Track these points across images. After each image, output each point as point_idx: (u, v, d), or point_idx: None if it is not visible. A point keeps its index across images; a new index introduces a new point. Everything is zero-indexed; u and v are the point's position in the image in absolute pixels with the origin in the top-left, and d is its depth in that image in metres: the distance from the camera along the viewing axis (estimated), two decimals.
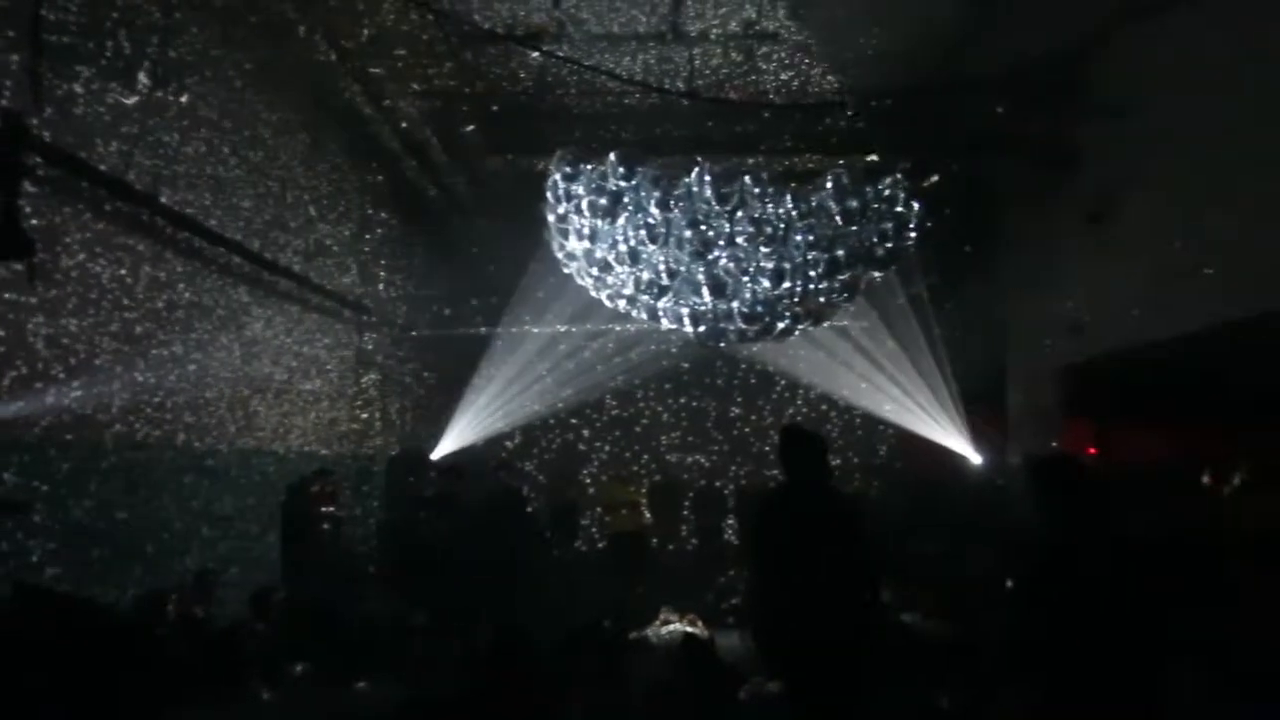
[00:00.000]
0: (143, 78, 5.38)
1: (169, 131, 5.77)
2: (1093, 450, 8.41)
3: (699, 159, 5.76)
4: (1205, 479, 5.33)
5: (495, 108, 8.34)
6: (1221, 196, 6.32)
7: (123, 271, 5.42)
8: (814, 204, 5.76)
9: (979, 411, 9.11)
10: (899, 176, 6.03)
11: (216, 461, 6.38)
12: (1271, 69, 5.78)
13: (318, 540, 6.76)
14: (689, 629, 7.44)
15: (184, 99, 5.86)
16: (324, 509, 6.94)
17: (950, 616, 6.72)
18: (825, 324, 6.97)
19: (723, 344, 6.64)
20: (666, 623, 7.60)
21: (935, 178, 7.48)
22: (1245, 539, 5.54)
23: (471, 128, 8.49)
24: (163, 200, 5.64)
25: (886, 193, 5.94)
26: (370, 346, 9.07)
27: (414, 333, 9.77)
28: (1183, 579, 4.84)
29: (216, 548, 6.26)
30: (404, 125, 8.28)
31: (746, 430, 9.22)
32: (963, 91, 8.00)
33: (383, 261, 9.33)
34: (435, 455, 9.85)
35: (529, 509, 7.75)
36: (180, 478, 5.98)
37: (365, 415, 9.08)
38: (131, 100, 5.34)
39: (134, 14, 5.39)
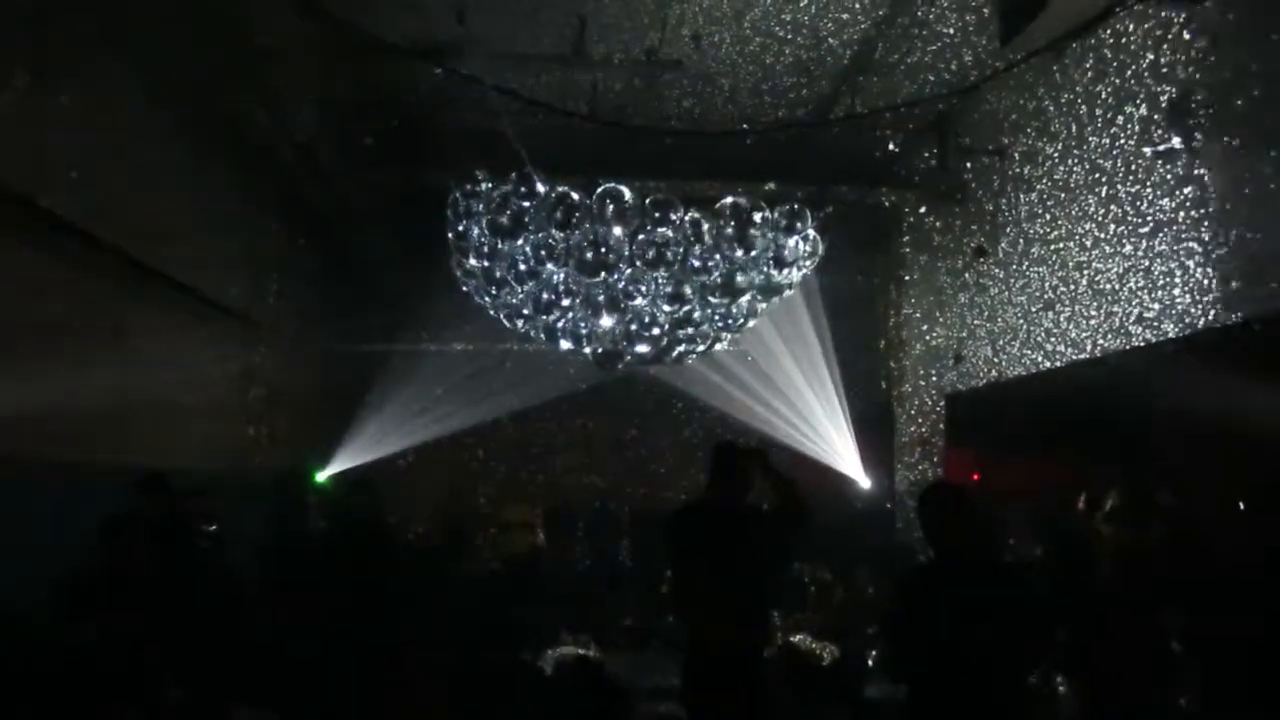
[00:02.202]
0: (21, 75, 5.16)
1: (49, 132, 5.53)
2: (975, 477, 8.72)
3: (599, 181, 5.80)
4: (1079, 505, 5.57)
5: (395, 122, 8.25)
6: (1094, 234, 6.69)
7: None
8: (713, 230, 5.85)
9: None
10: (796, 206, 6.17)
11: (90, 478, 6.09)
12: (1135, 112, 6.15)
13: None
14: (581, 651, 7.42)
15: (64, 99, 5.63)
16: (202, 527, 6.62)
17: (838, 637, 6.86)
18: (721, 348, 7.07)
19: (619, 366, 6.67)
20: (560, 645, 7.56)
21: (830, 209, 7.69)
22: (1112, 563, 5.82)
23: (370, 141, 8.38)
24: (40, 204, 5.40)
25: (784, 221, 6.07)
26: (259, 361, 8.82)
27: (306, 348, 9.54)
28: (1054, 600, 5.04)
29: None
30: (299, 137, 8.11)
31: (642, 452, 9.28)
32: (857, 125, 8.26)
33: (274, 275, 9.10)
34: (324, 474, 9.63)
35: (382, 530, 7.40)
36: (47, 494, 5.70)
37: (251, 432, 8.81)
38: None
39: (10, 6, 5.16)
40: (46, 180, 5.49)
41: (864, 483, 9.88)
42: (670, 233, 5.81)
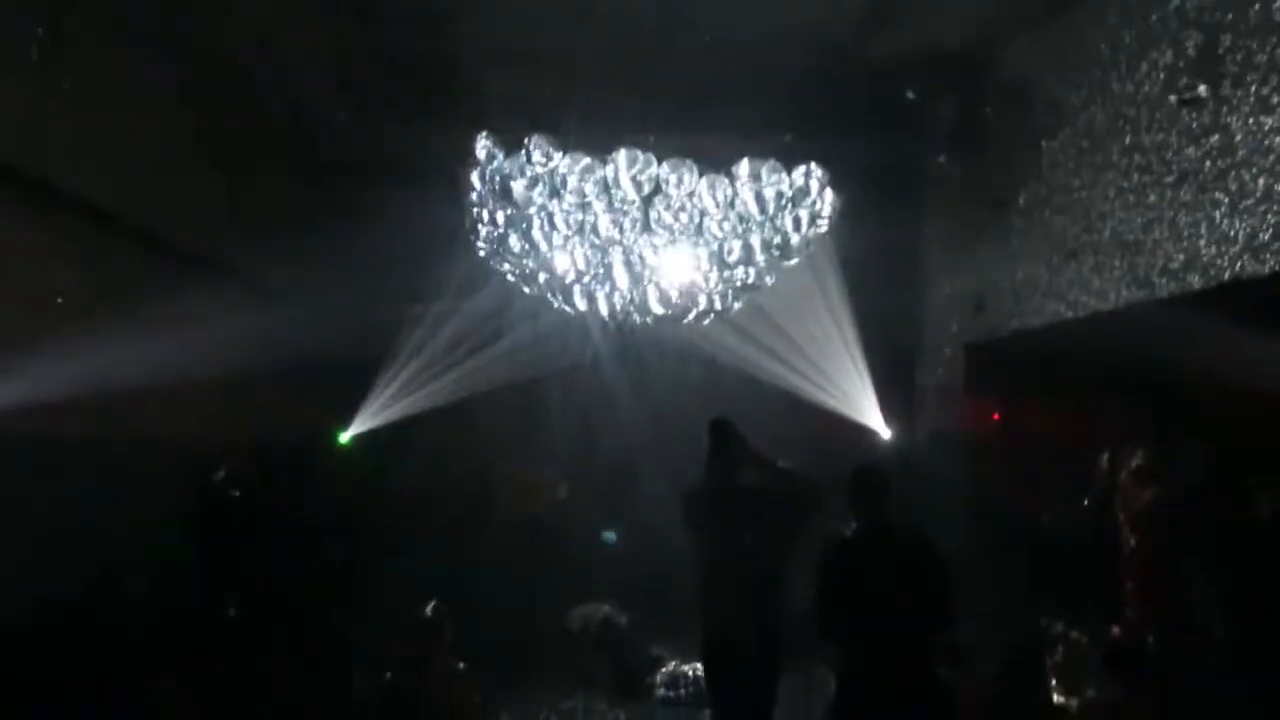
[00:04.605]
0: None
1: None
2: (996, 417, 8.71)
3: (617, 145, 5.74)
4: (1103, 461, 5.57)
5: (410, 83, 8.15)
6: (1117, 183, 6.58)
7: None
8: (729, 192, 5.79)
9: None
10: (812, 164, 6.09)
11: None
12: (1163, 62, 6.00)
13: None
14: (606, 609, 7.52)
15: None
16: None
17: None
18: (740, 307, 7.03)
19: (637, 330, 6.66)
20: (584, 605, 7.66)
21: (847, 161, 7.58)
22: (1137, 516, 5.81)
23: (386, 99, 8.29)
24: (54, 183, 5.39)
25: (800, 181, 6.00)
26: (275, 324, 8.82)
27: (323, 313, 9.52)
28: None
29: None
30: (311, 96, 8.05)
31: (661, 414, 9.27)
32: (873, 75, 8.11)
33: (289, 239, 9.07)
34: (347, 435, 9.69)
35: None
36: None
37: (272, 399, 8.84)
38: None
39: None
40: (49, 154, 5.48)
41: (884, 433, 9.86)
42: (687, 195, 5.76)
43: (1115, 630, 5.16)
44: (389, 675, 5.74)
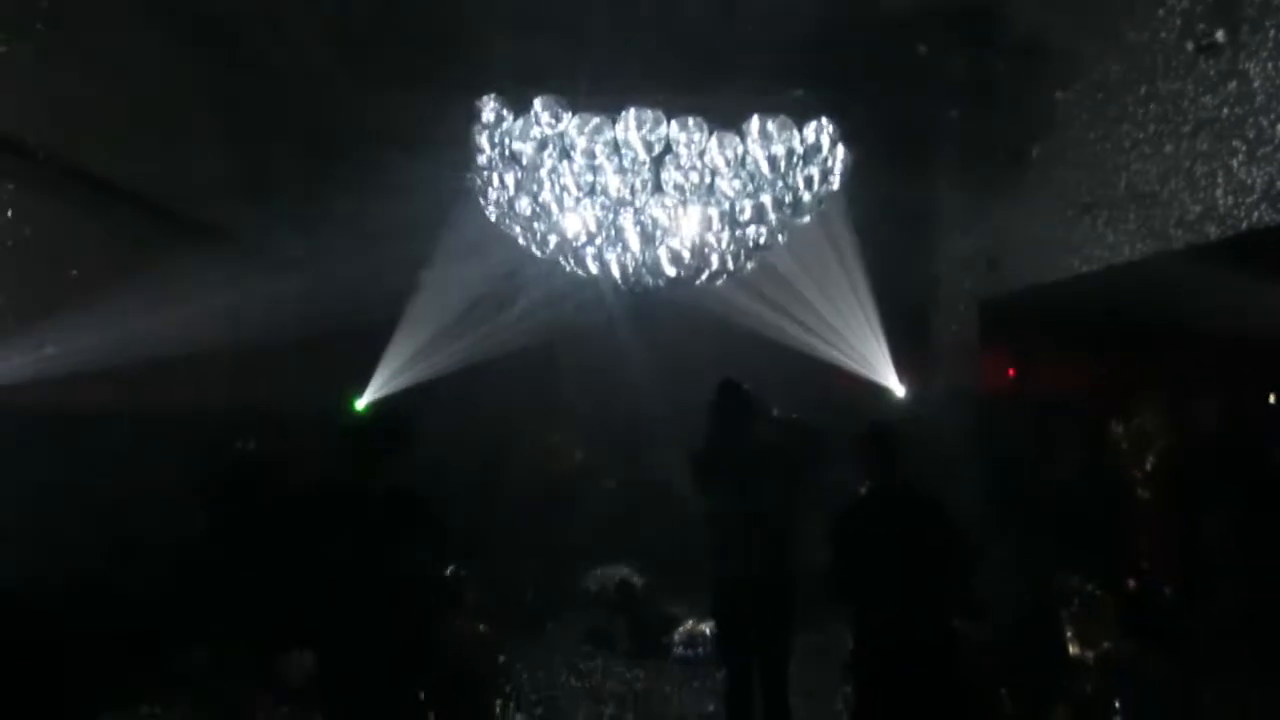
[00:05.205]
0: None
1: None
2: (1011, 372, 8.70)
3: (625, 105, 5.68)
4: (1119, 415, 5.55)
5: (416, 44, 8.08)
6: (1132, 134, 6.49)
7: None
8: (739, 150, 5.74)
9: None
10: (823, 119, 6.02)
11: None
12: (1179, 8, 5.90)
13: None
14: (625, 573, 7.56)
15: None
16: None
17: None
18: (753, 266, 6.99)
19: (650, 291, 6.63)
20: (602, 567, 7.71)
21: (858, 115, 7.49)
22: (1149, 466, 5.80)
23: (393, 63, 8.23)
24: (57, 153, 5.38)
25: (811, 138, 5.94)
26: (284, 295, 8.84)
27: (332, 280, 9.52)
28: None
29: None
30: (318, 61, 7.98)
31: (677, 377, 9.27)
32: (884, 28, 7.99)
33: (297, 210, 9.06)
34: (361, 402, 9.72)
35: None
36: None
37: (286, 367, 8.88)
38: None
39: None
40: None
41: (898, 391, 9.84)
42: (697, 155, 5.71)
43: (1131, 583, 5.17)
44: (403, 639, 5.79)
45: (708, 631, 7.14)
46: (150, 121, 6.49)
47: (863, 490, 4.56)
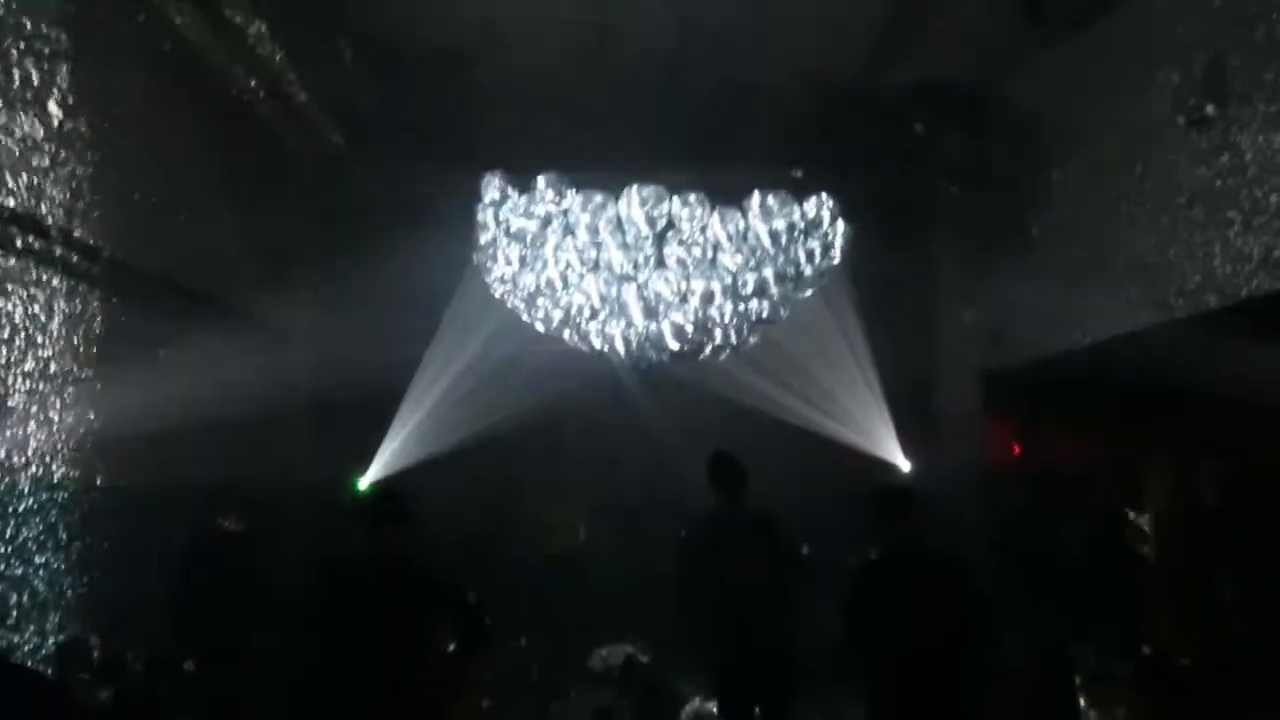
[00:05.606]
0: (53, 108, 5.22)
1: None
2: (1017, 449, 8.64)
3: (627, 182, 5.78)
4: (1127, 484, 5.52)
5: (422, 127, 8.27)
6: (1129, 206, 6.58)
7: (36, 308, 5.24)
8: (741, 225, 5.81)
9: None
10: (823, 196, 6.12)
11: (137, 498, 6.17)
12: (1170, 85, 6.02)
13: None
14: (630, 651, 7.45)
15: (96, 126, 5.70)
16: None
17: None
18: (755, 341, 7.02)
19: (653, 366, 6.65)
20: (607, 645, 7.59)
21: (859, 194, 7.62)
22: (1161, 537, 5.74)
23: (397, 147, 8.42)
24: (76, 233, 5.47)
25: (812, 212, 6.02)
26: (292, 369, 8.89)
27: (339, 356, 9.57)
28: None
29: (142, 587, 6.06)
30: (326, 145, 8.19)
31: (680, 452, 9.24)
32: (883, 108, 8.17)
33: (305, 286, 9.17)
34: (364, 482, 9.67)
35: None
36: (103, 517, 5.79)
37: (288, 441, 8.89)
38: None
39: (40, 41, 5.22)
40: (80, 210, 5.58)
41: (904, 466, 9.79)
42: (699, 230, 5.79)
43: (1146, 650, 5.09)
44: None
45: (715, 710, 7.01)
46: (161, 198, 6.60)
47: (873, 555, 4.52)
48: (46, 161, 5.24)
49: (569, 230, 5.85)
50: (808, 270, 6.20)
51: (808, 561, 5.33)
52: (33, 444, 5.19)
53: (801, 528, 5.60)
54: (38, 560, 5.19)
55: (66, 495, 5.50)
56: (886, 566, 4.45)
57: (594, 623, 7.73)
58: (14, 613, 4.95)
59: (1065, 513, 6.99)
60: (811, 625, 5.14)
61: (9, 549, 4.97)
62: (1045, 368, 7.75)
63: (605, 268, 5.90)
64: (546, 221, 5.91)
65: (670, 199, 5.74)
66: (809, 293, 6.60)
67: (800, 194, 6.09)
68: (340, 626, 4.21)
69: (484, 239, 6.33)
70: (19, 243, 5.04)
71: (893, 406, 9.64)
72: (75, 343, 5.62)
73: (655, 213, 5.72)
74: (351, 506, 8.57)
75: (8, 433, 4.94)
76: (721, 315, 6.20)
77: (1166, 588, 5.09)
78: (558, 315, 6.39)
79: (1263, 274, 5.31)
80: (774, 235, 5.91)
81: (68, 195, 5.45)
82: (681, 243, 5.79)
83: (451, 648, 4.62)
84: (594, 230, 5.78)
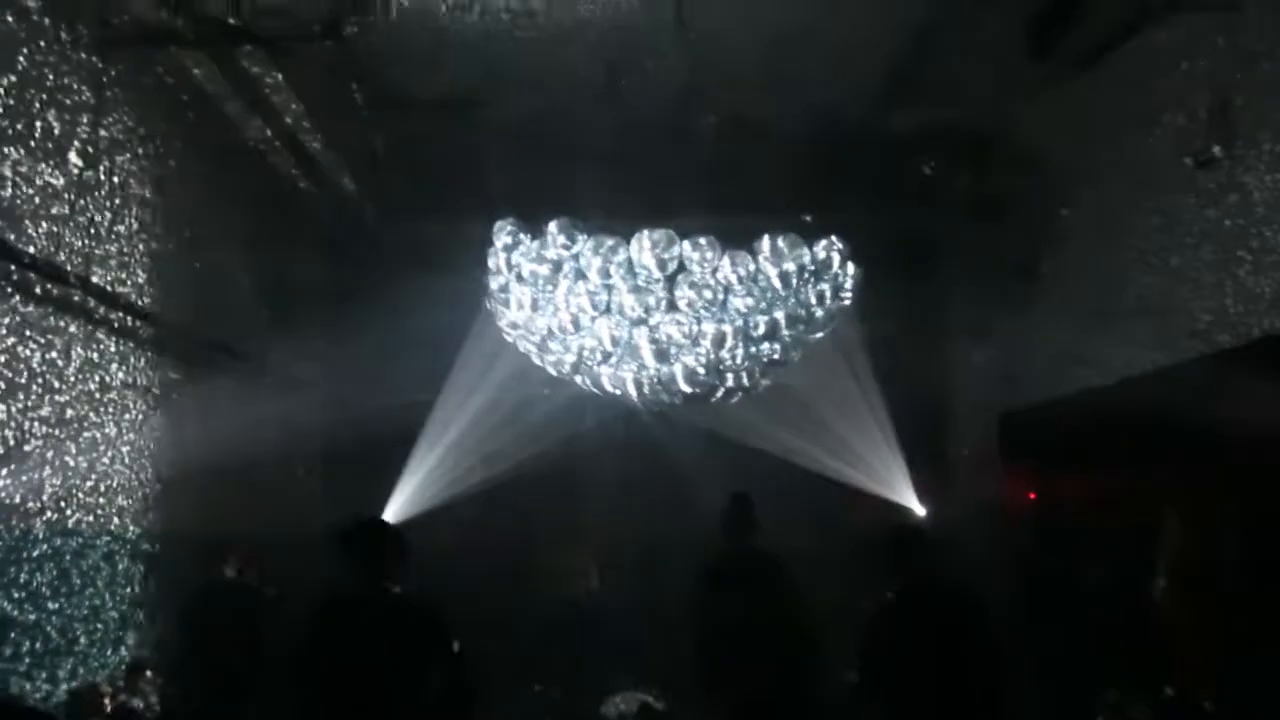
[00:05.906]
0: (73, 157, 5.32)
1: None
2: (1032, 495, 8.57)
3: (638, 226, 5.83)
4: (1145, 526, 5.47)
5: (432, 174, 8.36)
6: (1138, 246, 6.59)
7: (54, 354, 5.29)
8: (752, 268, 5.85)
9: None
10: (833, 239, 6.15)
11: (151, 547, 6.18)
12: (1175, 125, 6.06)
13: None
14: (645, 699, 7.35)
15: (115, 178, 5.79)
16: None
17: None
18: (766, 385, 7.02)
19: (666, 409, 6.67)
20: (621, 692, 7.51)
21: (867, 236, 7.65)
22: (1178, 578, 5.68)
23: (407, 193, 8.51)
24: (94, 280, 5.54)
25: (822, 255, 6.05)
26: (308, 419, 8.91)
27: (349, 404, 9.58)
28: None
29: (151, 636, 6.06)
30: (340, 191, 8.27)
31: (690, 495, 9.20)
32: (891, 149, 8.22)
33: (318, 336, 9.22)
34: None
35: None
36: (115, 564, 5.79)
37: (305, 490, 8.89)
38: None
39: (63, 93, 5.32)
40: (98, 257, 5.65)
41: (918, 510, 9.72)
42: (710, 273, 5.82)
43: (1169, 692, 5.01)
44: None
45: None
46: (177, 245, 6.68)
47: (888, 597, 4.48)
48: (66, 209, 5.31)
49: (580, 274, 5.90)
50: (819, 312, 6.22)
51: (822, 605, 5.29)
52: (48, 489, 5.21)
53: (815, 570, 5.58)
54: (50, 607, 5.19)
55: (80, 541, 5.51)
56: (900, 609, 4.40)
57: (608, 669, 7.63)
58: (26, 659, 4.94)
59: (1081, 553, 6.92)
60: (827, 669, 5.09)
61: (22, 595, 4.97)
62: (1057, 408, 7.72)
63: (617, 311, 5.94)
64: (558, 266, 5.96)
65: (681, 242, 5.79)
66: (820, 335, 6.61)
67: (810, 236, 6.13)
68: (325, 670, 4.17)
69: (496, 284, 6.37)
70: (37, 289, 5.10)
71: (905, 449, 9.60)
72: (90, 389, 5.66)
73: (666, 256, 5.77)
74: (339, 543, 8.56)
75: (24, 477, 4.96)
76: (733, 358, 6.22)
77: (1187, 632, 5.02)
78: (570, 359, 6.42)
79: (1275, 313, 5.30)
80: (784, 278, 5.94)
81: (86, 242, 5.52)
82: (692, 286, 5.82)
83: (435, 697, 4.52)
84: (605, 274, 5.82)
